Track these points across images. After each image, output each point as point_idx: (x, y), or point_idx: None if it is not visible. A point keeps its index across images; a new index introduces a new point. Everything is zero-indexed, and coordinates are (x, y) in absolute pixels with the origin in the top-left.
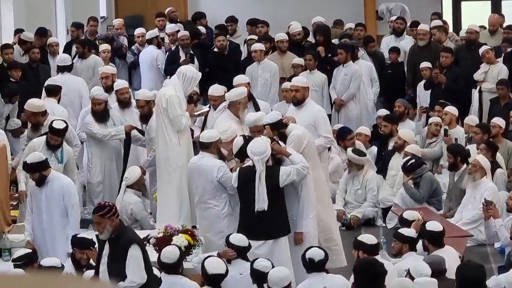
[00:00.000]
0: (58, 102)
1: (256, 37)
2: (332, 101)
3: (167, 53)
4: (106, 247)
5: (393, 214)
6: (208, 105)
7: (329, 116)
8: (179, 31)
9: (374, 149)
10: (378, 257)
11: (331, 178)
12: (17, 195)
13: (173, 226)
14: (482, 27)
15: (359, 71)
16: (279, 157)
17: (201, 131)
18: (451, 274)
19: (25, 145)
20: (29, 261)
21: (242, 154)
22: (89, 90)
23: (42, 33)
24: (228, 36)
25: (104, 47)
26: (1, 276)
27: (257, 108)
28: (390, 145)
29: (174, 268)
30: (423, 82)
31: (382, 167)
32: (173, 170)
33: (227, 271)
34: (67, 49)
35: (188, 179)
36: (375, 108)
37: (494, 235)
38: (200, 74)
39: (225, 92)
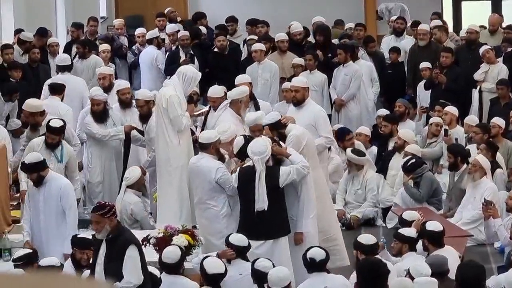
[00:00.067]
0: (62, 100)
1: (256, 37)
2: (332, 101)
3: (167, 53)
4: (103, 247)
5: (393, 214)
6: (208, 105)
7: (329, 116)
8: (179, 31)
9: (374, 149)
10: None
11: (331, 178)
12: (18, 195)
13: (173, 226)
14: (482, 27)
15: (359, 71)
16: (279, 157)
17: (200, 131)
18: (451, 274)
19: (23, 145)
20: (29, 261)
21: (242, 154)
22: (89, 91)
23: (43, 33)
24: (228, 36)
25: (104, 47)
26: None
27: (257, 108)
28: (390, 145)
29: (175, 268)
30: (423, 82)
31: (382, 167)
32: (173, 170)
33: (226, 270)
34: (67, 49)
35: (188, 179)
36: (375, 108)
37: (493, 235)
38: (200, 74)
39: (225, 92)
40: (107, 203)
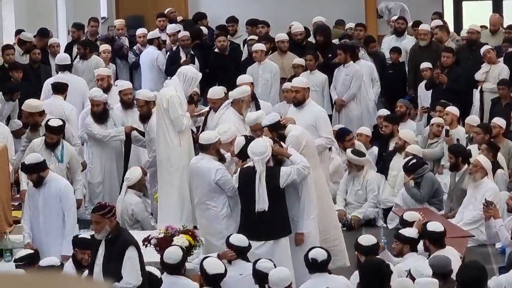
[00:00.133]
0: (65, 99)
1: (256, 38)
2: (333, 102)
3: (168, 53)
4: (102, 247)
5: (394, 214)
6: (209, 106)
7: (330, 116)
8: (179, 31)
9: (375, 149)
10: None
11: (331, 178)
12: (18, 195)
13: (174, 226)
14: (483, 27)
15: (360, 71)
16: (280, 157)
17: (201, 132)
18: (452, 274)
19: (24, 146)
20: (31, 261)
21: (243, 154)
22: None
23: (44, 33)
24: (228, 36)
25: (104, 47)
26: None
27: (258, 109)
28: (391, 146)
29: (176, 268)
30: (424, 82)
31: (383, 168)
32: (174, 170)
33: (226, 271)
34: (68, 50)
35: (189, 180)
36: (376, 109)
37: (494, 235)
38: (200, 74)
39: (225, 92)
40: (107, 203)
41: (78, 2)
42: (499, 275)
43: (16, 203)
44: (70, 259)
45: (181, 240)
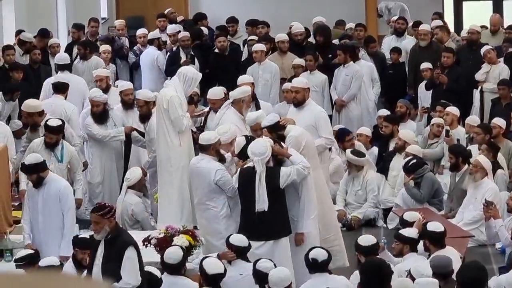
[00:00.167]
0: (65, 99)
1: (256, 38)
2: (333, 102)
3: (168, 54)
4: (101, 247)
5: (394, 214)
6: (209, 106)
7: (330, 116)
8: (180, 31)
9: (375, 149)
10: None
11: (331, 178)
12: (17, 196)
13: (174, 226)
14: (484, 27)
15: (360, 71)
16: (280, 158)
17: (200, 132)
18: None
19: (24, 146)
20: (31, 261)
21: (244, 154)
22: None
23: (44, 34)
24: (228, 36)
25: (104, 48)
26: (1, 276)
27: (258, 109)
28: (391, 146)
29: (177, 269)
30: (424, 82)
31: (383, 168)
32: (174, 170)
33: (225, 270)
34: (68, 50)
35: (189, 180)
36: (376, 109)
37: (494, 235)
38: (200, 74)
39: (225, 93)
40: (106, 204)
41: (78, 3)
42: (499, 275)
43: (16, 203)
44: (70, 259)
45: (181, 240)
